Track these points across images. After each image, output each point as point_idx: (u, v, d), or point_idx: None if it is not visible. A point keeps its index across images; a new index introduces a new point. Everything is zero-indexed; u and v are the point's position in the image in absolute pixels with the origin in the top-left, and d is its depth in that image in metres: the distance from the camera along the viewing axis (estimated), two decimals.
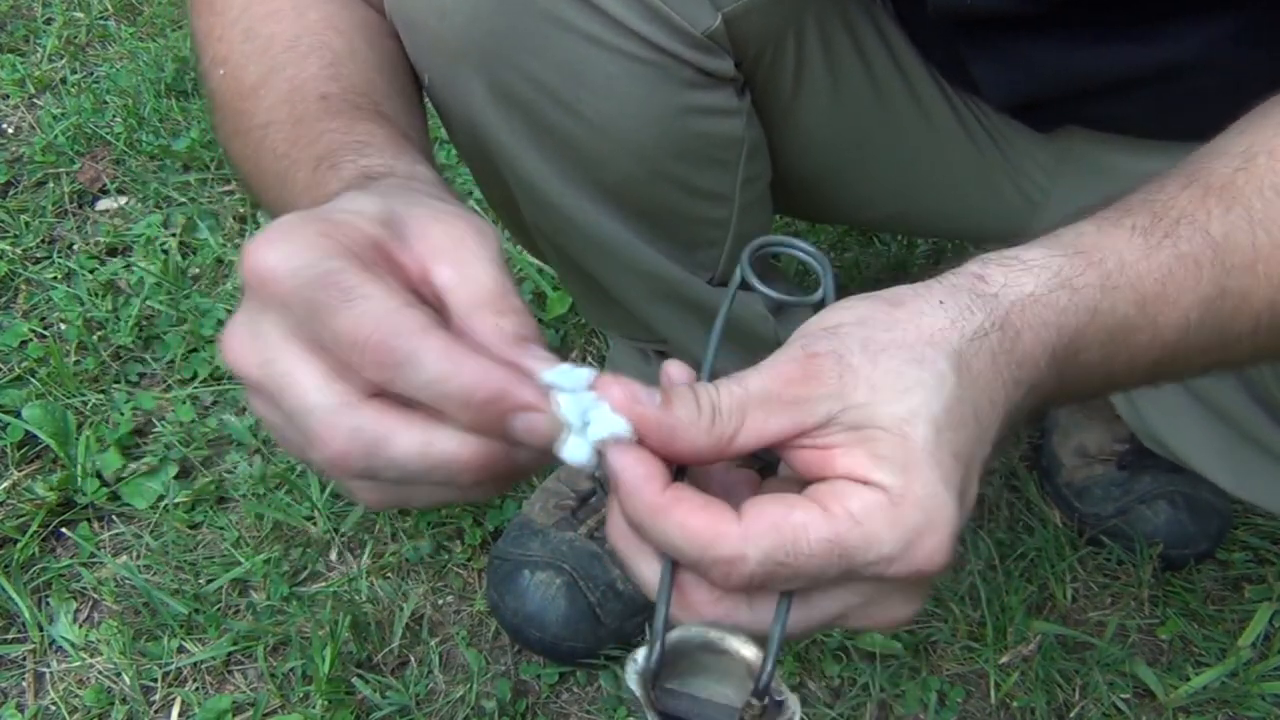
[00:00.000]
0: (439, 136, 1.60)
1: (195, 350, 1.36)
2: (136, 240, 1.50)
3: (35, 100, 1.76)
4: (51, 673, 1.09)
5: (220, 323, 1.37)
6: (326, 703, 1.04)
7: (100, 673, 1.08)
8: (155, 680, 1.07)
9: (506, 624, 1.08)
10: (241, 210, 1.54)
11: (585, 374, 0.43)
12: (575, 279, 0.94)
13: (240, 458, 1.25)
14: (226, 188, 1.59)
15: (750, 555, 0.41)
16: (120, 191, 1.59)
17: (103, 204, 1.58)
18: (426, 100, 0.78)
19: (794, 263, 1.25)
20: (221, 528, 1.19)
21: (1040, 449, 1.23)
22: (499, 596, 1.08)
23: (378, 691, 1.06)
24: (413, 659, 1.09)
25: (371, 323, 0.42)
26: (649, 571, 0.44)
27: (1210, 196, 0.51)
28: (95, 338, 1.37)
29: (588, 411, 0.43)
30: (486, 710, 1.05)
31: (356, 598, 1.12)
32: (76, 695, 1.07)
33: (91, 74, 1.81)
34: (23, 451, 1.25)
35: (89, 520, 1.20)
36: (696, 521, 0.41)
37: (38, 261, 1.48)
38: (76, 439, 1.24)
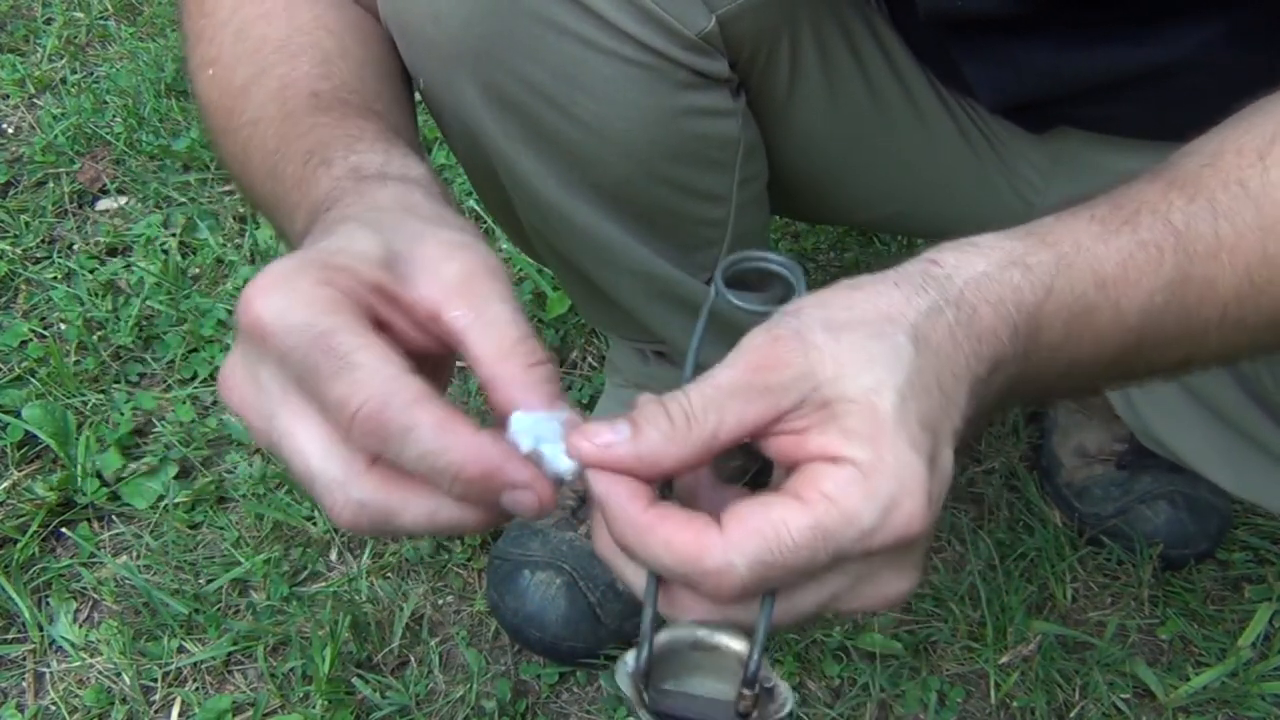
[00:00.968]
0: (438, 137, 1.60)
1: (195, 350, 1.36)
2: (136, 240, 1.50)
3: (35, 100, 1.76)
4: (51, 673, 1.09)
5: (221, 323, 1.37)
6: (326, 703, 1.04)
7: (100, 673, 1.08)
8: (155, 680, 1.07)
9: (506, 624, 1.08)
10: (241, 210, 1.54)
11: (558, 420, 0.44)
12: (573, 280, 0.94)
13: (240, 458, 1.25)
14: (226, 188, 1.59)
15: (737, 563, 0.41)
16: (120, 191, 1.59)
17: (103, 204, 1.58)
18: (419, 101, 0.78)
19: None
20: (221, 528, 1.19)
21: (1040, 449, 1.23)
22: (499, 596, 1.08)
23: (378, 691, 1.06)
24: (413, 659, 1.09)
25: (364, 393, 0.42)
26: (639, 578, 0.45)
27: (1173, 189, 0.51)
28: (95, 338, 1.37)
29: (542, 441, 0.44)
30: (486, 710, 1.05)
31: (356, 598, 1.12)
32: (76, 695, 1.07)
33: (91, 74, 1.81)
34: (23, 451, 1.25)
35: (89, 520, 1.20)
36: (681, 538, 0.42)
37: (38, 261, 1.48)
38: (76, 439, 1.24)
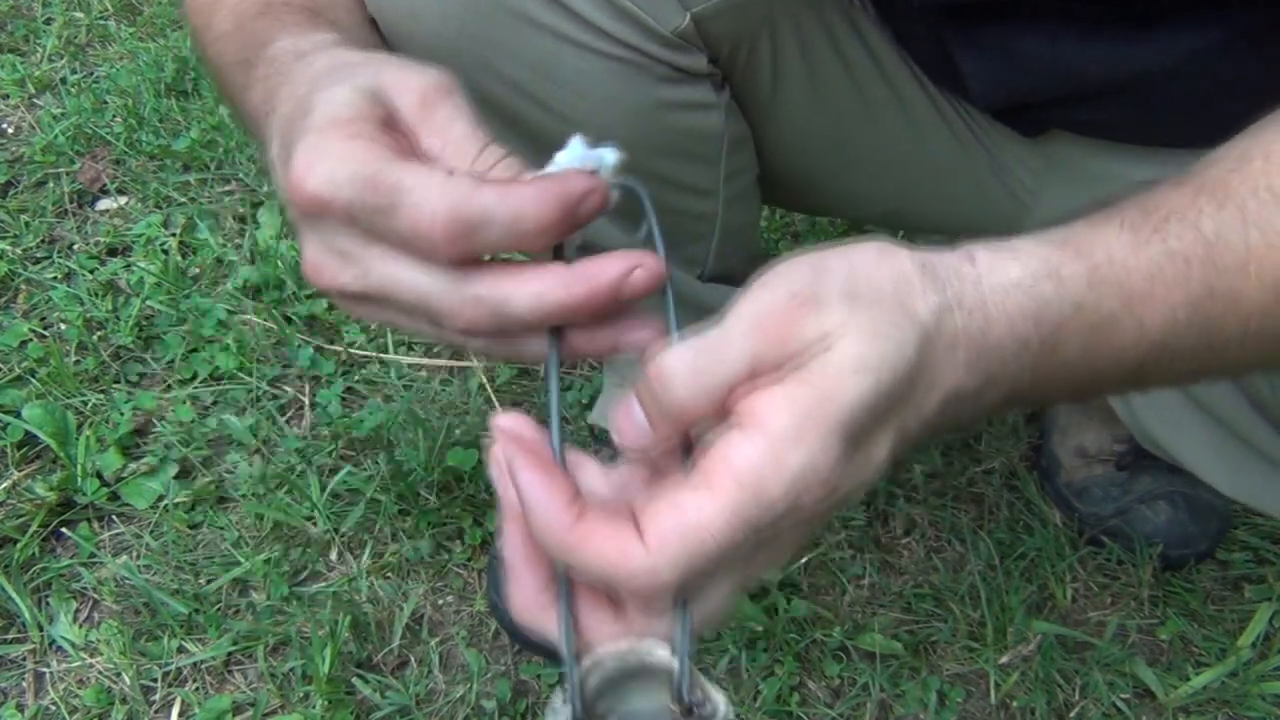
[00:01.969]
0: None
1: (195, 350, 1.36)
2: (136, 240, 1.50)
3: (35, 100, 1.76)
4: (51, 673, 1.09)
5: (221, 323, 1.37)
6: (326, 703, 1.04)
7: (100, 673, 1.08)
8: (155, 680, 1.07)
9: (506, 624, 1.08)
10: (241, 210, 1.54)
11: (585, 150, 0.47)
12: None
13: (240, 458, 1.25)
14: (226, 188, 1.59)
15: (661, 568, 0.40)
16: (120, 191, 1.59)
17: (103, 204, 1.58)
18: None
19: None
20: (221, 528, 1.19)
21: (1040, 449, 1.23)
22: (499, 596, 1.08)
23: (378, 691, 1.06)
24: (413, 659, 1.09)
25: (429, 209, 0.44)
26: (554, 628, 0.44)
27: (1202, 195, 0.50)
28: (95, 338, 1.37)
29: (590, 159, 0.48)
30: (486, 710, 1.05)
31: (356, 598, 1.12)
32: (76, 695, 1.07)
33: (91, 74, 1.81)
34: (23, 451, 1.25)
35: (89, 520, 1.20)
36: (605, 549, 0.40)
37: (38, 261, 1.48)
38: (76, 439, 1.24)
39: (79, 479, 1.21)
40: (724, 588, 0.43)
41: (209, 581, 1.14)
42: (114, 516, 1.20)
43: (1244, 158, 0.51)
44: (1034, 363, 0.47)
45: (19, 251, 1.49)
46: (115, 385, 1.32)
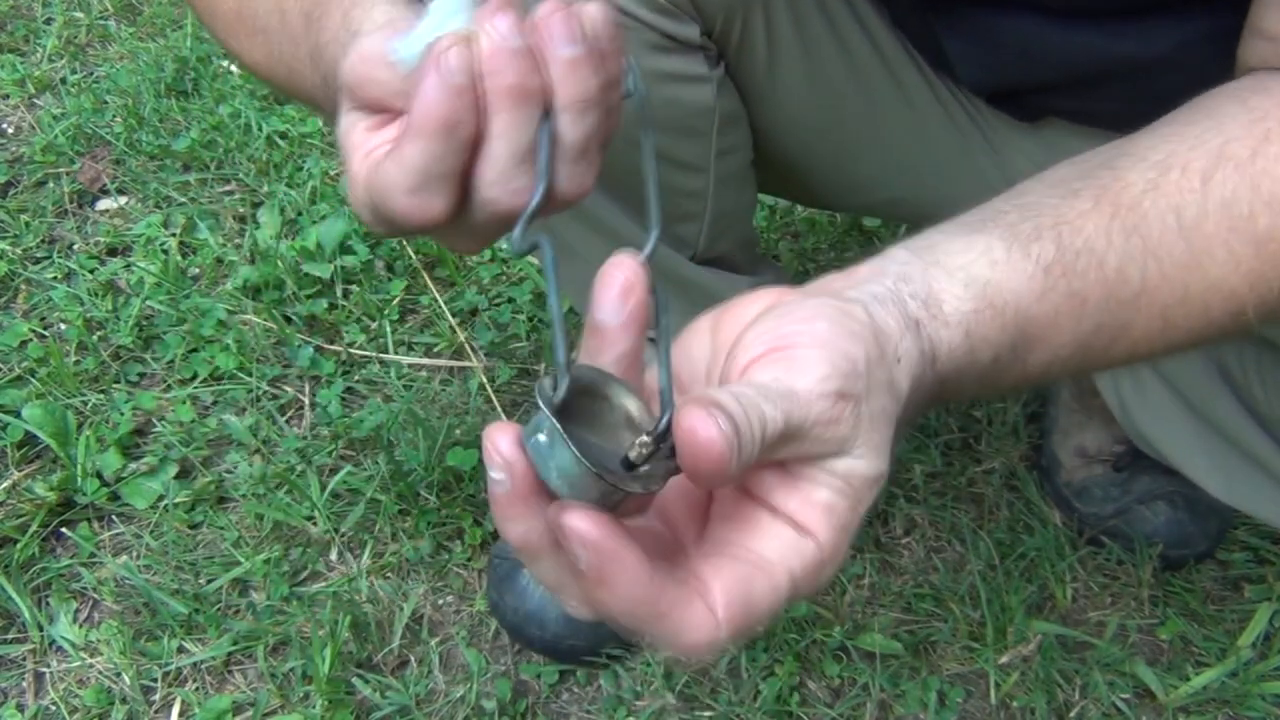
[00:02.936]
0: None
1: (195, 350, 1.36)
2: (136, 240, 1.50)
3: (35, 100, 1.76)
4: (51, 673, 1.09)
5: (221, 323, 1.37)
6: (326, 703, 1.04)
7: (100, 673, 1.08)
8: (155, 680, 1.07)
9: (506, 623, 1.08)
10: (241, 210, 1.54)
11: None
12: (563, 257, 0.94)
13: (240, 458, 1.25)
14: (226, 188, 1.59)
15: (725, 639, 0.41)
16: (120, 191, 1.59)
17: (103, 204, 1.58)
18: None
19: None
20: (221, 528, 1.19)
21: (1040, 449, 1.23)
22: (499, 595, 1.08)
23: (378, 691, 1.06)
24: (413, 659, 1.09)
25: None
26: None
27: (1116, 219, 0.52)
28: (95, 338, 1.37)
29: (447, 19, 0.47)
30: (486, 710, 1.05)
31: (356, 598, 1.12)
32: (76, 695, 1.07)
33: (91, 74, 1.81)
34: (23, 451, 1.25)
35: (89, 520, 1.20)
36: (676, 614, 0.40)
37: (38, 261, 1.48)
38: (76, 439, 1.24)
39: (79, 479, 1.21)
40: None
41: (209, 581, 1.14)
42: (114, 516, 1.20)
43: (1165, 166, 0.53)
44: (931, 400, 0.50)
45: (19, 251, 1.49)
46: (115, 385, 1.32)
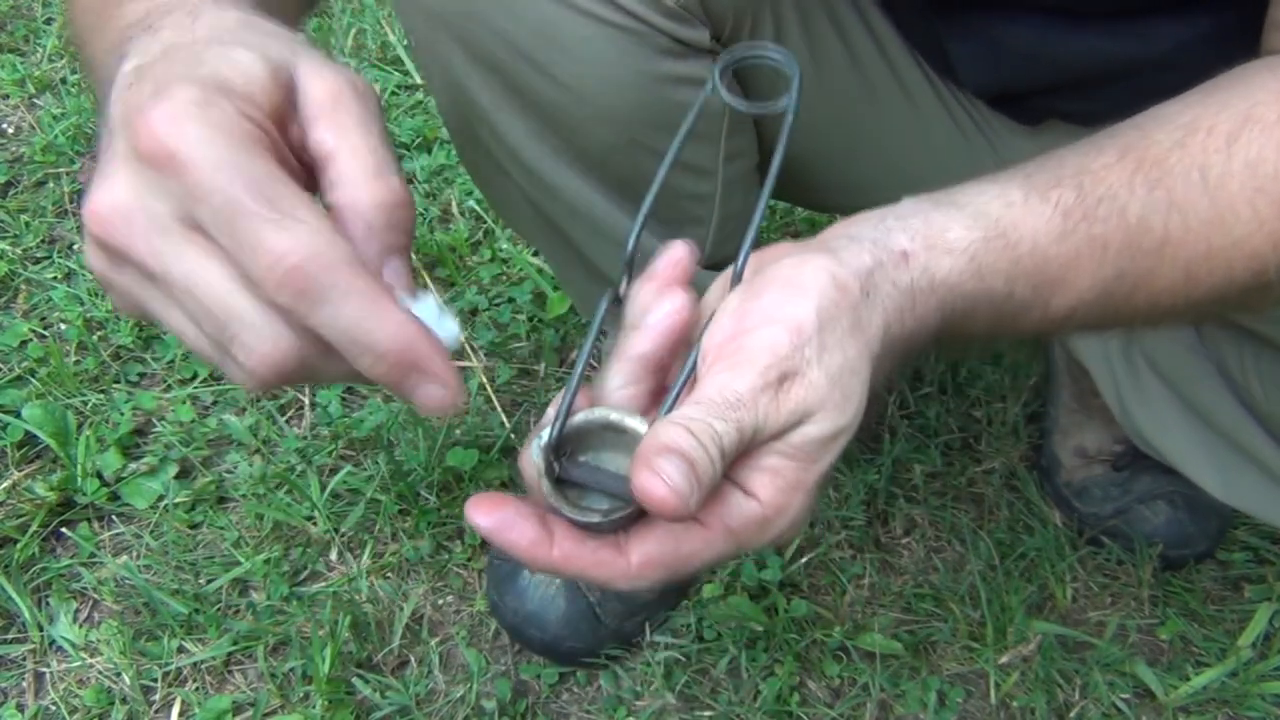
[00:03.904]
0: (439, 136, 1.60)
1: None
2: None
3: (35, 100, 1.76)
4: (51, 673, 1.09)
5: None
6: (326, 703, 1.04)
7: (100, 673, 1.08)
8: (155, 680, 1.07)
9: (506, 623, 1.08)
10: None
11: (430, 302, 0.46)
12: (564, 257, 0.94)
13: (240, 458, 1.25)
14: None
15: (643, 584, 0.46)
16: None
17: None
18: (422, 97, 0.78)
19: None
20: (221, 528, 1.19)
21: (1040, 449, 1.23)
22: (498, 596, 1.08)
23: (378, 691, 1.06)
24: (413, 659, 1.09)
25: (304, 250, 0.40)
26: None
27: (1139, 173, 0.53)
28: (95, 338, 1.37)
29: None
30: (486, 710, 1.05)
31: (356, 598, 1.12)
32: (76, 695, 1.07)
33: None
34: (23, 451, 1.25)
35: (89, 520, 1.20)
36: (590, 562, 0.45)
37: (38, 261, 1.48)
38: (76, 439, 1.24)
39: (79, 479, 1.21)
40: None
41: (209, 581, 1.14)
42: (114, 516, 1.20)
43: (1190, 128, 0.54)
44: (937, 336, 0.51)
45: (19, 251, 1.49)
46: (115, 385, 1.32)
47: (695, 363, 0.47)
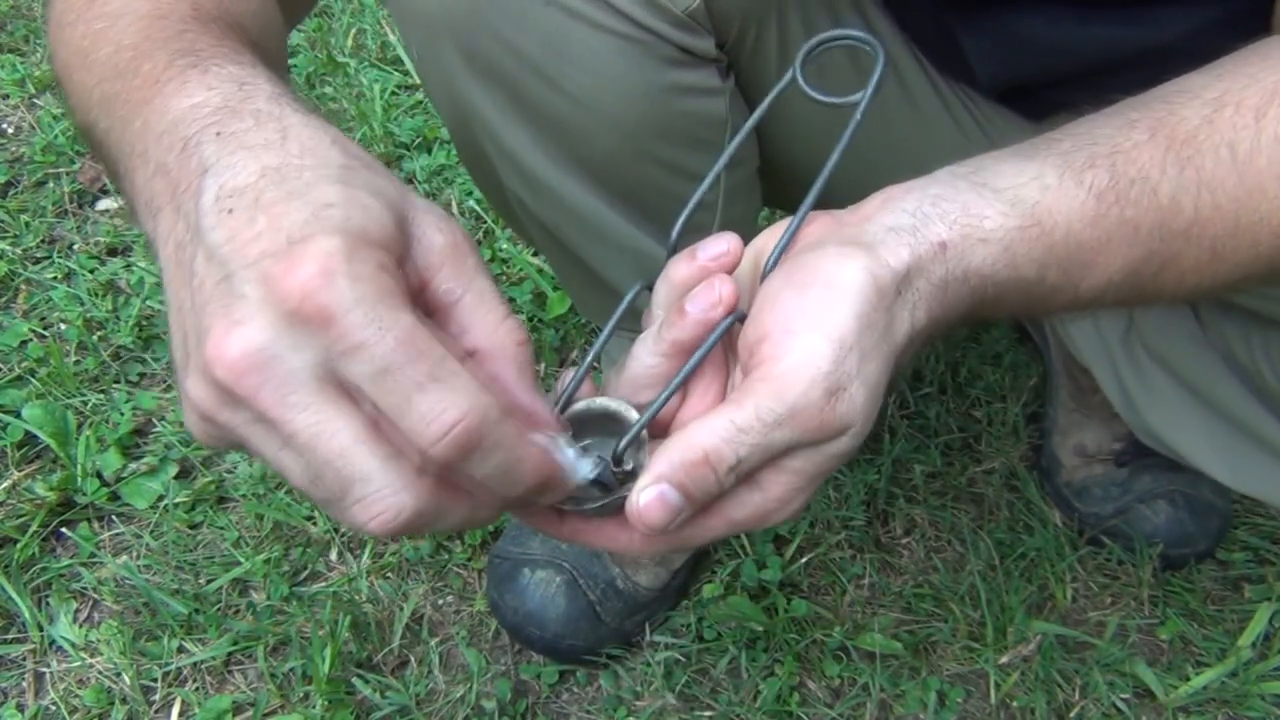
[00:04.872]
0: (439, 137, 1.60)
1: None
2: (136, 240, 1.50)
3: (35, 100, 1.76)
4: (51, 673, 1.09)
5: None
6: (326, 703, 1.04)
7: (100, 673, 1.08)
8: (155, 680, 1.07)
9: (506, 623, 1.08)
10: None
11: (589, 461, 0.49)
12: (568, 265, 0.94)
13: (240, 458, 1.25)
14: None
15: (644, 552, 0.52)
16: (120, 192, 1.59)
17: (103, 204, 1.58)
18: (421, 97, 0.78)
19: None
20: (221, 528, 1.19)
21: (1040, 449, 1.23)
22: (499, 595, 1.08)
23: (378, 691, 1.06)
24: (413, 659, 1.09)
25: (465, 405, 0.41)
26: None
27: (1171, 152, 0.53)
28: (95, 338, 1.37)
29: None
30: (486, 710, 1.05)
31: (356, 598, 1.12)
32: (76, 695, 1.07)
33: None
34: (23, 451, 1.25)
35: (89, 520, 1.20)
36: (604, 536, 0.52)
37: (38, 261, 1.48)
38: (76, 439, 1.24)
39: (79, 479, 1.21)
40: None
41: (209, 581, 1.14)
42: (114, 516, 1.20)
43: (1219, 103, 0.54)
44: (964, 318, 0.52)
45: (19, 251, 1.49)
46: (115, 385, 1.32)
47: (710, 350, 0.50)
